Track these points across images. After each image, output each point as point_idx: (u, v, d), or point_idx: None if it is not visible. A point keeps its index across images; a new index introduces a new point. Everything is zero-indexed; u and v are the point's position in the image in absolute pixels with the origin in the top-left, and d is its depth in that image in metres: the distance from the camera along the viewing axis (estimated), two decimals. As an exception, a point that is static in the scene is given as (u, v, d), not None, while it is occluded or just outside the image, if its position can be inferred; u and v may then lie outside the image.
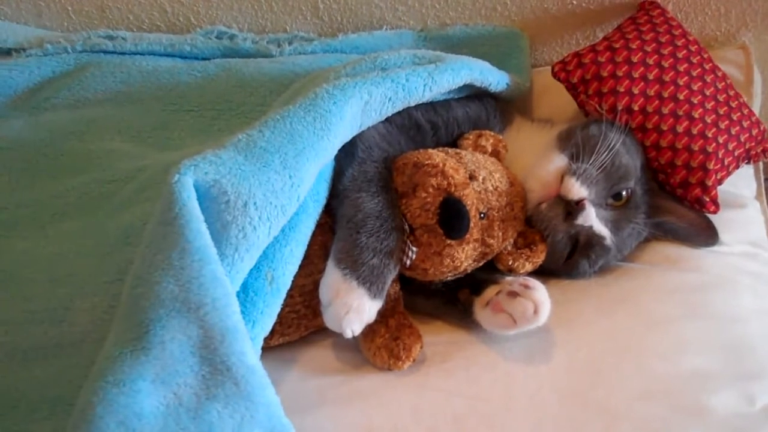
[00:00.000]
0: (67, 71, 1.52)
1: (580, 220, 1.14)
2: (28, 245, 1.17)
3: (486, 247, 1.11)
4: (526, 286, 1.05)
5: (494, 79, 1.28)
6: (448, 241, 1.07)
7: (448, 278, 1.13)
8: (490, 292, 1.10)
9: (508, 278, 1.11)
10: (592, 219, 1.14)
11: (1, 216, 1.23)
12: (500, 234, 1.12)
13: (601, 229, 1.16)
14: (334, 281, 1.02)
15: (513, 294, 1.06)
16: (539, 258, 1.16)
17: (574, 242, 1.17)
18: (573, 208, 1.14)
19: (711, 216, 1.29)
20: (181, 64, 1.53)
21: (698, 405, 1.02)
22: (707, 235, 1.27)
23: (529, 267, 1.15)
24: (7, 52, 1.58)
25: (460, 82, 1.21)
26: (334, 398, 1.05)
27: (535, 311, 1.03)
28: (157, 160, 1.24)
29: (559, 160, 1.18)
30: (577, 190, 1.14)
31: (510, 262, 1.14)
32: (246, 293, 0.94)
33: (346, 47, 1.55)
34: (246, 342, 0.85)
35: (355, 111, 1.07)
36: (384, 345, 1.07)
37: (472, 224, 1.08)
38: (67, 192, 1.24)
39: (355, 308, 1.01)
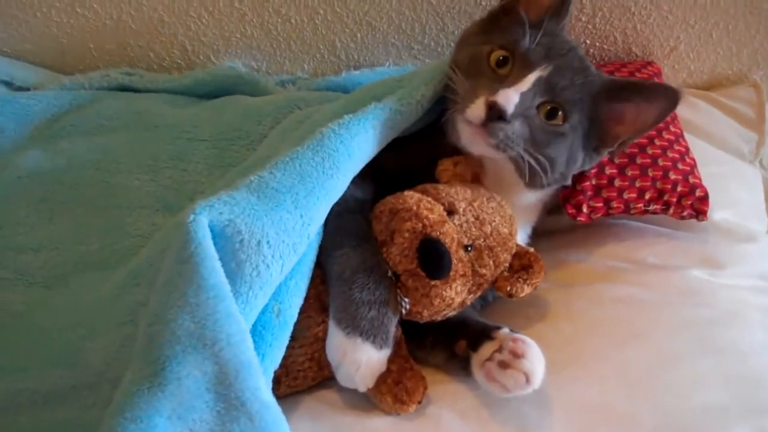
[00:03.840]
0: (84, 103, 1.53)
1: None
2: (51, 295, 1.19)
3: (479, 277, 1.10)
4: (516, 354, 1.04)
5: None
6: (433, 282, 1.06)
7: (449, 315, 1.11)
8: (486, 351, 1.07)
9: (502, 333, 1.09)
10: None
11: (24, 257, 1.24)
12: (491, 262, 1.10)
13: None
14: (338, 342, 1.03)
15: (504, 365, 1.04)
16: (538, 278, 1.13)
17: None
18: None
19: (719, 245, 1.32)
20: (194, 99, 1.57)
21: (711, 440, 1.02)
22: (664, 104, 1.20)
23: (528, 290, 1.13)
24: (25, 90, 1.62)
25: (437, 88, 1.21)
26: (346, 438, 1.06)
27: (527, 380, 1.02)
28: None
29: None
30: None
31: (508, 289, 1.12)
32: (254, 327, 0.95)
33: (349, 83, 1.55)
34: (260, 378, 0.87)
35: (362, 146, 1.09)
36: (388, 390, 1.06)
37: (455, 260, 1.06)
38: (88, 239, 1.26)
39: (365, 364, 1.02)
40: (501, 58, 1.16)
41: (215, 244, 0.89)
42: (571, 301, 1.25)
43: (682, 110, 1.48)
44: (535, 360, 1.03)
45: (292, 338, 1.03)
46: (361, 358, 1.02)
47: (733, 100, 1.57)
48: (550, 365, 1.06)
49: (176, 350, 0.84)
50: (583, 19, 1.57)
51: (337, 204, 1.07)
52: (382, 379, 1.06)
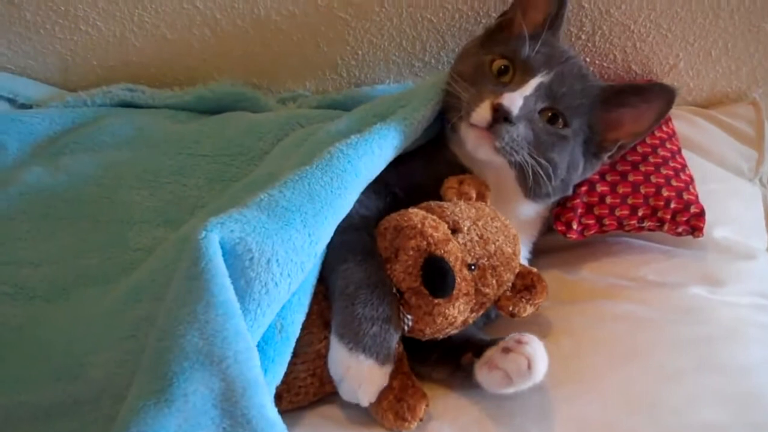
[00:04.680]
0: (86, 121, 1.55)
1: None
2: (51, 309, 1.19)
3: (482, 296, 1.10)
4: (519, 342, 1.04)
5: None
6: (436, 301, 1.06)
7: (451, 333, 1.12)
8: (490, 352, 1.07)
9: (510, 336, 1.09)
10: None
11: (24, 271, 1.25)
12: (494, 281, 1.11)
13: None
14: (341, 358, 1.03)
15: (507, 350, 1.04)
16: (540, 299, 1.14)
17: None
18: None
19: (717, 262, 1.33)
20: (195, 115, 1.58)
21: (711, 457, 1.02)
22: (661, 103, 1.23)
23: (530, 310, 1.14)
24: (28, 107, 1.63)
25: (436, 107, 1.24)
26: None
27: (529, 366, 1.02)
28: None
29: None
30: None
31: (511, 308, 1.13)
32: (257, 343, 0.95)
33: (348, 101, 1.56)
34: (266, 396, 0.87)
35: (368, 165, 1.11)
36: (389, 407, 1.06)
37: (458, 279, 1.07)
38: (89, 252, 1.27)
39: (367, 379, 1.03)
40: (502, 67, 1.21)
41: (225, 261, 0.90)
42: (571, 318, 1.25)
43: (681, 127, 1.50)
44: (538, 349, 1.04)
45: (294, 354, 1.03)
46: (363, 374, 1.03)
47: (733, 117, 1.58)
48: (552, 381, 1.08)
49: (184, 366, 0.84)
50: (583, 37, 1.58)
51: (341, 220, 1.07)
52: (384, 396, 1.06)
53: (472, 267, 1.10)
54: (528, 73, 1.19)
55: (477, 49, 1.29)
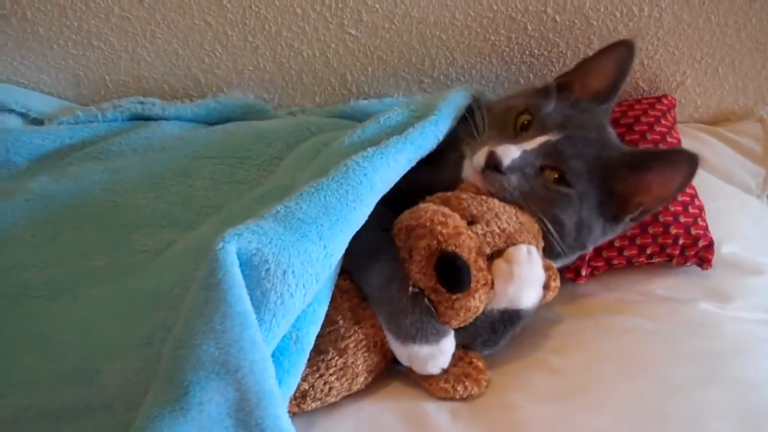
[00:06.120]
0: (97, 139, 1.56)
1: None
2: (57, 308, 1.19)
3: None
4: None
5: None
6: (455, 296, 1.08)
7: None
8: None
9: None
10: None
11: (28, 274, 1.25)
12: None
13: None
14: (399, 352, 1.12)
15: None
16: (554, 291, 1.17)
17: None
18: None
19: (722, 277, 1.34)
20: (204, 125, 1.60)
21: (719, 471, 1.02)
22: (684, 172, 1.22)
23: (549, 297, 1.17)
24: (40, 122, 1.64)
25: (453, 120, 1.26)
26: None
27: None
28: (186, 237, 1.27)
29: None
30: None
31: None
32: (272, 354, 0.95)
33: (356, 112, 1.58)
34: (280, 406, 0.87)
35: (384, 178, 1.11)
36: (455, 380, 1.13)
37: (475, 271, 1.08)
38: (94, 255, 1.27)
39: (428, 360, 1.11)
40: (525, 122, 1.23)
41: (242, 272, 0.90)
42: (581, 332, 1.26)
43: (689, 144, 1.51)
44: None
45: (320, 352, 1.07)
46: (423, 358, 1.11)
47: (740, 135, 1.59)
48: (561, 394, 1.10)
49: (200, 375, 0.85)
50: (590, 54, 1.59)
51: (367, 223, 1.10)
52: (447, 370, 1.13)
53: (491, 256, 1.12)
54: (541, 130, 1.20)
55: (517, 97, 1.31)
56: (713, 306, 1.30)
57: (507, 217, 1.14)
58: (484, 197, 1.17)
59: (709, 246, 1.34)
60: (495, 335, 1.16)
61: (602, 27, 1.56)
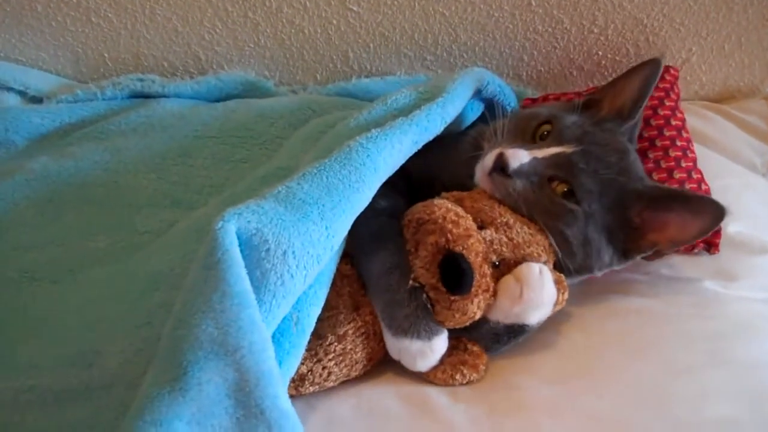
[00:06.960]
0: (97, 119, 1.55)
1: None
2: (58, 290, 1.19)
3: None
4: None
5: (498, 89, 1.35)
6: (453, 298, 1.07)
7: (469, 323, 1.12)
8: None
9: None
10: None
11: (30, 255, 1.25)
12: None
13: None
14: (390, 343, 1.11)
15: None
16: (562, 305, 1.15)
17: None
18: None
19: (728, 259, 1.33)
20: (205, 103, 1.59)
21: (724, 452, 1.02)
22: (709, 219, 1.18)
23: (556, 309, 1.15)
24: (39, 100, 1.64)
25: (464, 103, 1.26)
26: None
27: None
28: (187, 217, 1.27)
29: None
30: None
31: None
32: (273, 335, 0.95)
33: (359, 91, 1.58)
34: (280, 386, 0.86)
35: (388, 160, 1.10)
36: (452, 368, 1.12)
37: (478, 276, 1.07)
38: (96, 235, 1.27)
39: (418, 356, 1.10)
40: (545, 132, 1.21)
41: (241, 252, 0.89)
42: (584, 313, 1.25)
43: (693, 122, 1.50)
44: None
45: (319, 337, 1.06)
46: (413, 353, 1.10)
47: (746, 113, 1.58)
48: (564, 375, 1.09)
49: (198, 355, 0.84)
50: (596, 30, 1.58)
51: (372, 207, 1.08)
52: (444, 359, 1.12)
53: (496, 264, 1.10)
54: (557, 141, 1.19)
55: (545, 107, 1.32)
56: (718, 285, 1.30)
57: (518, 227, 1.13)
58: (497, 204, 1.16)
59: (717, 230, 1.32)
60: (498, 344, 1.16)
61: (607, 3, 1.55)
